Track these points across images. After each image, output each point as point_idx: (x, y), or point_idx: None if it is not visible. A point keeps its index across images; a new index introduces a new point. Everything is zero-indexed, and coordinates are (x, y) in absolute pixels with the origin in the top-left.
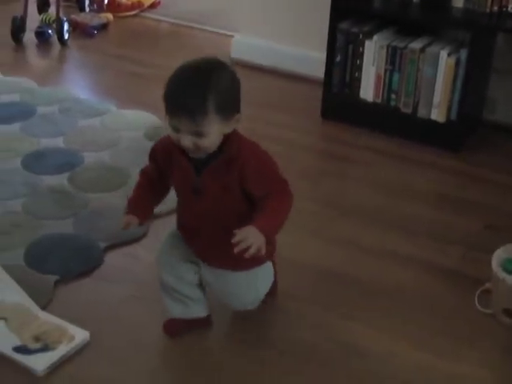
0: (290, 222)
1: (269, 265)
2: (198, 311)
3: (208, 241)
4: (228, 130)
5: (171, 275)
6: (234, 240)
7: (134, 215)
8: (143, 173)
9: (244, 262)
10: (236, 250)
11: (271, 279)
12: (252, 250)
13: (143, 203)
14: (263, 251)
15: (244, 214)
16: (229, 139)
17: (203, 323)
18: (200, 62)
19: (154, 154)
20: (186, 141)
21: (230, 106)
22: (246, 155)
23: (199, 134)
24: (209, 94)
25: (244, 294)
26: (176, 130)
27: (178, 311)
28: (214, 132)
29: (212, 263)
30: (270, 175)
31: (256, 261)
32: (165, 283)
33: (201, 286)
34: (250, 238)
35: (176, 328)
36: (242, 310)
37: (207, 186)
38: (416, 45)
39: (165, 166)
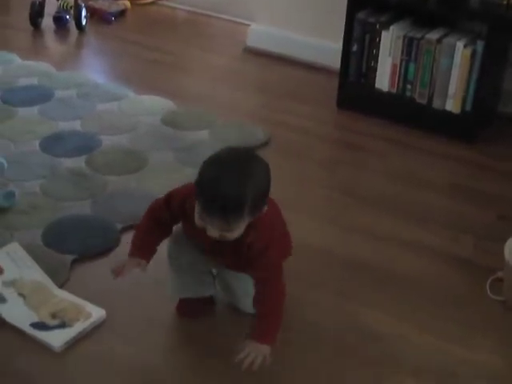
0: (306, 208)
1: None
2: (207, 291)
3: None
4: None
5: (185, 259)
6: (238, 359)
7: (141, 258)
8: (152, 212)
9: None
10: (243, 367)
11: None
12: (258, 362)
13: (149, 247)
14: (268, 360)
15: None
16: (250, 229)
17: (211, 301)
18: (239, 155)
19: (169, 201)
20: (213, 233)
21: (262, 204)
22: (257, 252)
23: (228, 230)
24: (247, 196)
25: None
26: (205, 220)
27: (185, 290)
28: (241, 227)
29: (230, 268)
30: (266, 279)
31: None
32: (177, 265)
33: (210, 272)
34: (252, 353)
35: (188, 308)
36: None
37: (222, 249)
38: (433, 35)
39: (178, 215)
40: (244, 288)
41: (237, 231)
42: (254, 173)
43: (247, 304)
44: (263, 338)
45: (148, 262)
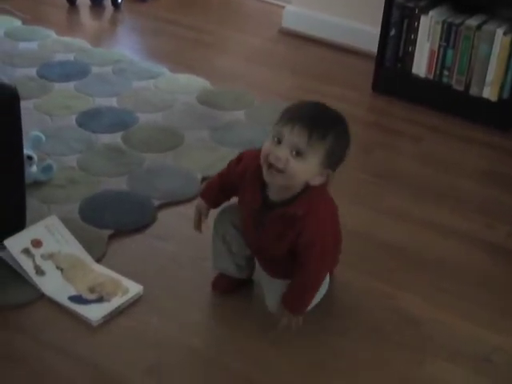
0: (341, 190)
1: (326, 278)
2: (239, 274)
3: (265, 259)
4: (314, 181)
5: (222, 241)
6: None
7: (205, 202)
8: (220, 175)
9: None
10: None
11: (324, 291)
12: (293, 325)
13: (216, 194)
14: (300, 323)
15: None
16: (306, 195)
17: (244, 282)
18: (330, 108)
19: (234, 164)
20: (282, 152)
21: (336, 157)
22: (311, 224)
23: (298, 153)
24: (331, 132)
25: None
26: (277, 139)
27: (221, 267)
28: (308, 166)
29: (268, 273)
30: (316, 255)
31: None
32: (217, 237)
33: (250, 259)
34: (291, 325)
35: (223, 285)
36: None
37: (269, 224)
38: (472, 22)
39: (237, 181)
40: (271, 287)
41: (302, 165)
42: (342, 123)
43: (270, 303)
44: (295, 310)
45: (209, 209)
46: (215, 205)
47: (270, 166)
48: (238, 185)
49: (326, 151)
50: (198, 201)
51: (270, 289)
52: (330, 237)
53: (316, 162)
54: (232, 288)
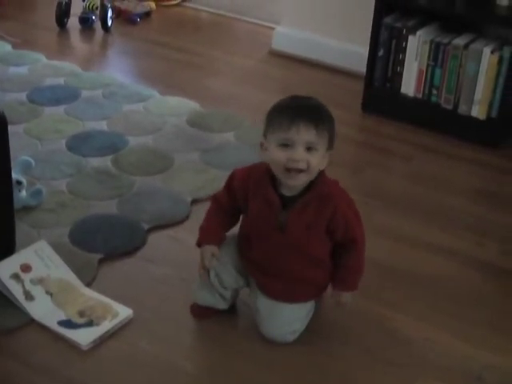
0: None
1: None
2: (223, 305)
3: (276, 275)
4: (322, 165)
5: (214, 274)
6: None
7: (210, 244)
8: (215, 199)
9: (302, 296)
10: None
11: (311, 314)
12: (348, 302)
13: (216, 230)
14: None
15: (321, 254)
16: (320, 177)
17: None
18: (302, 95)
19: (230, 183)
20: (299, 154)
21: (334, 136)
22: (339, 197)
23: (311, 148)
24: (324, 114)
25: (289, 325)
26: (287, 145)
27: (205, 301)
28: (320, 154)
29: (271, 295)
30: (356, 223)
31: (312, 295)
32: (214, 274)
33: (236, 291)
34: (339, 298)
35: (200, 312)
36: (276, 340)
37: (292, 222)
38: (459, 41)
39: (240, 197)
40: (283, 316)
41: (317, 155)
42: (321, 104)
43: (269, 329)
44: (346, 287)
45: (218, 246)
46: (221, 239)
47: (289, 170)
48: (242, 202)
49: (329, 134)
50: (206, 248)
51: (272, 314)
52: (354, 203)
53: (324, 148)
54: (211, 316)
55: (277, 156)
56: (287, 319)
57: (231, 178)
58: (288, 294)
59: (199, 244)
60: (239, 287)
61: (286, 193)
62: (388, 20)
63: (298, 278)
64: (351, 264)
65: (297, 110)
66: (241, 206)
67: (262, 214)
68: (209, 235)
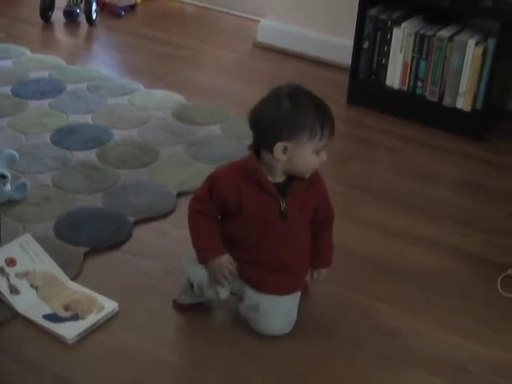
0: None
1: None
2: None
3: (272, 267)
4: None
5: (197, 287)
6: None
7: (221, 255)
8: (200, 213)
9: (298, 284)
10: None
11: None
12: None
13: (217, 241)
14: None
15: (308, 238)
16: None
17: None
18: (303, 89)
19: (214, 188)
20: (325, 155)
21: None
22: (319, 178)
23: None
24: None
25: (288, 316)
26: (319, 151)
27: (186, 302)
28: None
29: (272, 290)
30: (329, 198)
31: (302, 282)
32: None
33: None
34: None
35: (182, 308)
36: (276, 334)
37: (290, 207)
38: (444, 33)
39: (232, 199)
40: (277, 309)
41: None
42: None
43: (272, 324)
44: (328, 263)
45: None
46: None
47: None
48: (233, 203)
49: None
50: (221, 259)
51: (272, 310)
52: None
53: None
54: (194, 309)
55: (312, 162)
56: (286, 311)
57: (213, 184)
58: (288, 286)
59: (207, 260)
60: (226, 291)
61: (277, 179)
62: (373, 12)
63: (294, 267)
64: (329, 240)
65: (328, 118)
66: (229, 210)
67: (264, 207)
68: (215, 248)
